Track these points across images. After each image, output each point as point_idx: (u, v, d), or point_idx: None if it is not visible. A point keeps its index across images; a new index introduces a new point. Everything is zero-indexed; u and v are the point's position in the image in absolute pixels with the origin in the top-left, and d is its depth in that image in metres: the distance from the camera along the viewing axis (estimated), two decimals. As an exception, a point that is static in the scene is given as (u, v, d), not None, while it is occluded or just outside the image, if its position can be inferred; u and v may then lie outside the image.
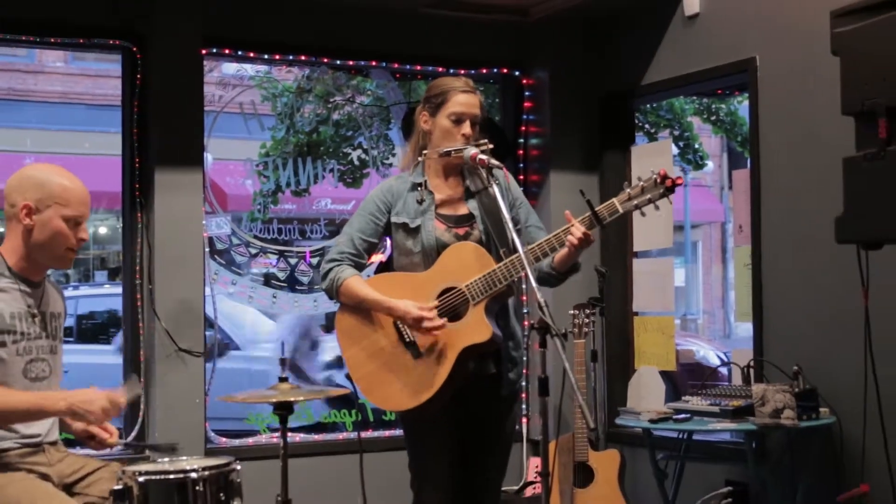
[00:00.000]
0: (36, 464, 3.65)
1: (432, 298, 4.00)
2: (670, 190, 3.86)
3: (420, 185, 4.14)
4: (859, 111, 3.84)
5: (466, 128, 4.08)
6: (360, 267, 4.16)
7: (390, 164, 6.93)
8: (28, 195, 3.65)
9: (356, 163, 7.16)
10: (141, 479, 3.45)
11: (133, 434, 5.69)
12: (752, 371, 5.28)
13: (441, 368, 3.95)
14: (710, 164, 15.96)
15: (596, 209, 3.88)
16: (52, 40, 5.71)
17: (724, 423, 4.96)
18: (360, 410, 6.46)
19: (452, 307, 3.98)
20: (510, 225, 3.81)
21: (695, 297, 20.54)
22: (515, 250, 3.84)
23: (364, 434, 6.33)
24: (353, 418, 6.62)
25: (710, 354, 11.07)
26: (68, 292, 4.09)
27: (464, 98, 4.10)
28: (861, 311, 4.48)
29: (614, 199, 3.90)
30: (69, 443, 4.01)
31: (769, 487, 5.06)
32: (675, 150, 11.85)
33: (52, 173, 3.72)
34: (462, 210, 4.15)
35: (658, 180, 3.84)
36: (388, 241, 4.24)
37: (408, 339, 4.01)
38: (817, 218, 5.04)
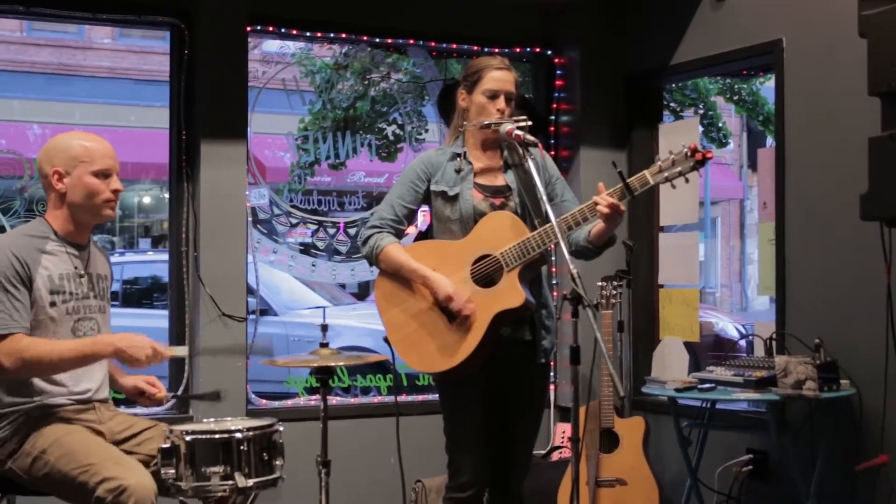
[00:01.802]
0: (88, 421, 3.79)
1: (468, 265, 4.07)
2: (700, 163, 3.90)
3: (459, 155, 4.23)
4: (886, 91, 3.88)
5: (500, 103, 4.17)
6: (399, 234, 4.25)
7: (423, 140, 7.01)
8: (55, 162, 3.80)
9: (391, 137, 7.28)
10: (188, 437, 3.57)
11: (179, 391, 5.73)
12: (774, 343, 5.32)
13: (474, 332, 4.02)
14: (730, 143, 15.99)
15: (627, 181, 3.93)
16: (104, 17, 5.75)
17: (748, 393, 5.01)
18: (394, 375, 6.49)
19: (487, 273, 4.05)
20: (544, 197, 3.90)
21: (713, 271, 20.62)
22: (549, 220, 3.91)
23: (399, 398, 6.32)
24: (388, 383, 6.74)
25: (728, 326, 11.16)
26: (113, 258, 4.21)
27: (498, 74, 4.19)
28: (882, 287, 4.55)
29: (645, 171, 3.95)
30: (118, 402, 4.20)
31: (789, 456, 5.09)
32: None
33: (73, 137, 3.88)
34: (500, 181, 4.23)
35: (689, 153, 3.88)
36: (423, 214, 4.37)
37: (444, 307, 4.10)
38: (840, 195, 5.09)
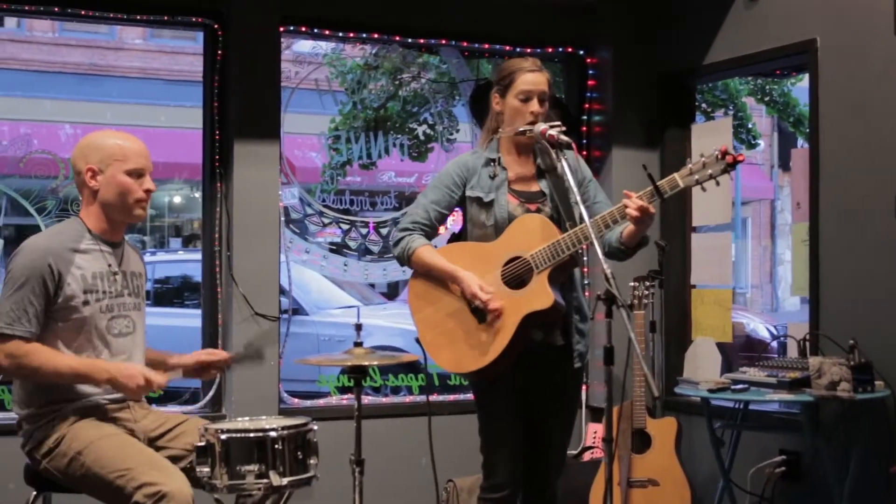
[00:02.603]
0: (122, 419, 3.80)
1: (498, 267, 4.08)
2: (731, 166, 3.84)
3: (494, 160, 4.23)
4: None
5: (534, 105, 4.16)
6: (430, 237, 4.27)
7: (454, 140, 7.03)
8: (89, 159, 3.80)
9: (421, 137, 7.31)
10: (223, 436, 3.56)
11: (210, 395, 5.80)
12: (807, 344, 5.29)
13: (503, 334, 4.03)
14: (760, 143, 15.94)
15: (657, 183, 3.91)
16: (138, 17, 5.79)
17: (781, 395, 4.99)
18: (426, 375, 6.54)
19: (517, 275, 4.06)
20: (578, 198, 3.89)
21: (744, 272, 20.56)
22: (580, 223, 3.93)
23: (430, 398, 6.35)
24: (419, 382, 6.76)
25: (759, 327, 11.11)
26: (144, 258, 4.24)
27: (531, 77, 4.17)
28: (917, 287, 4.56)
29: (675, 174, 3.92)
30: (150, 400, 4.19)
31: (822, 457, 5.08)
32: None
33: (107, 136, 3.87)
34: (534, 187, 4.23)
35: (719, 157, 3.84)
36: (460, 214, 4.40)
37: (474, 305, 4.10)
38: (874, 196, 5.09)
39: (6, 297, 3.66)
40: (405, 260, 4.25)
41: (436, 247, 4.30)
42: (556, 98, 6.25)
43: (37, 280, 3.65)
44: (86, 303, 3.74)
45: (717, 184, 3.92)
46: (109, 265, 3.84)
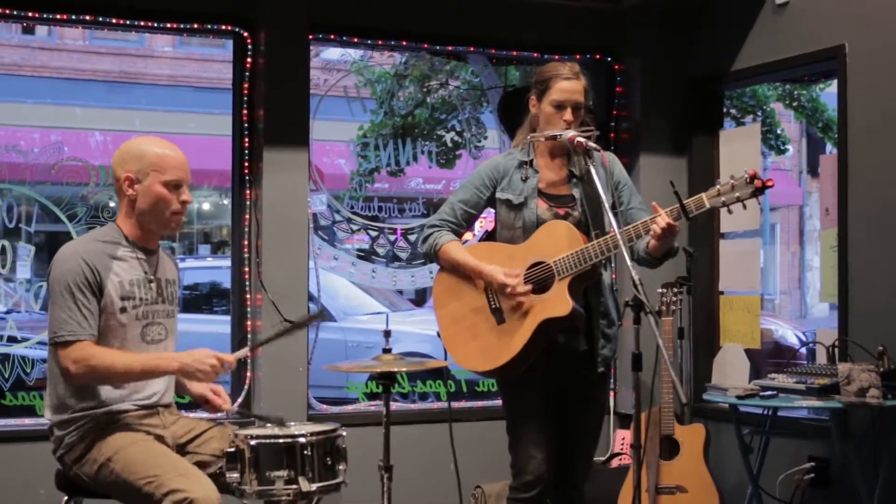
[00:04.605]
0: (152, 425, 3.81)
1: (522, 270, 4.10)
2: (760, 191, 3.86)
3: (526, 163, 4.27)
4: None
5: (568, 114, 4.19)
6: (458, 234, 4.33)
7: (482, 147, 7.04)
8: (128, 167, 3.79)
9: (449, 144, 7.33)
10: (252, 442, 3.58)
11: (239, 400, 5.82)
12: (836, 350, 5.28)
13: (519, 337, 4.08)
14: (789, 149, 15.89)
15: (684, 202, 3.91)
16: (169, 26, 5.86)
17: (810, 401, 4.95)
18: (453, 381, 6.57)
19: (540, 280, 4.08)
20: (607, 206, 3.92)
21: (772, 278, 20.46)
22: (607, 232, 3.97)
23: (458, 404, 6.42)
24: (447, 389, 6.80)
25: (788, 333, 11.06)
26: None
27: (566, 85, 4.20)
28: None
29: (703, 194, 3.93)
30: (180, 406, 4.17)
31: (851, 464, 5.04)
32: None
33: (149, 143, 3.85)
34: (564, 191, 4.26)
35: (748, 180, 3.85)
36: (485, 218, 4.43)
37: (494, 305, 4.15)
38: (904, 202, 5.07)
39: (59, 307, 3.68)
40: (432, 255, 4.33)
41: (465, 243, 4.35)
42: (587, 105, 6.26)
43: (83, 283, 3.68)
44: (123, 309, 3.77)
45: (744, 207, 3.93)
46: (145, 272, 3.86)
